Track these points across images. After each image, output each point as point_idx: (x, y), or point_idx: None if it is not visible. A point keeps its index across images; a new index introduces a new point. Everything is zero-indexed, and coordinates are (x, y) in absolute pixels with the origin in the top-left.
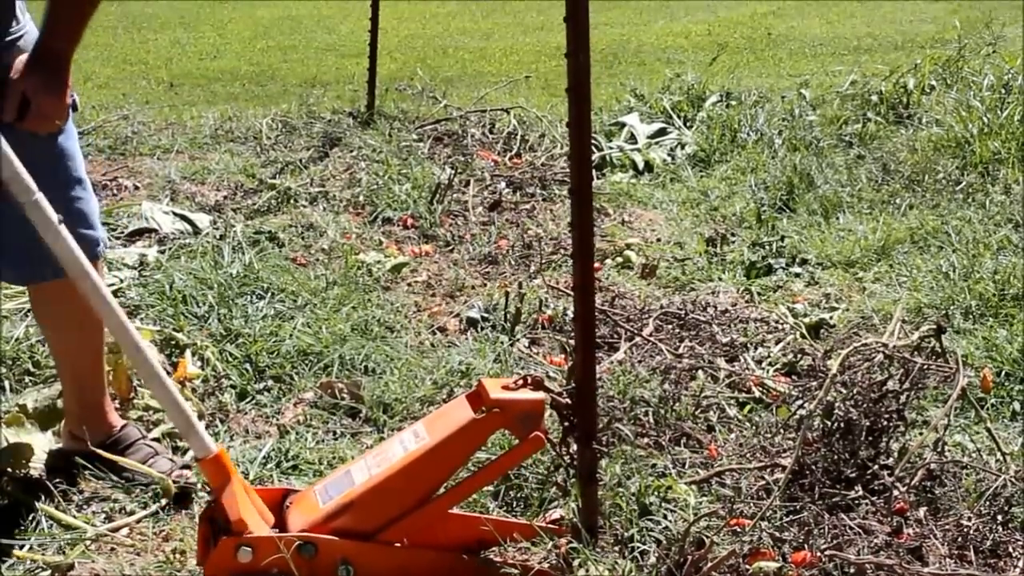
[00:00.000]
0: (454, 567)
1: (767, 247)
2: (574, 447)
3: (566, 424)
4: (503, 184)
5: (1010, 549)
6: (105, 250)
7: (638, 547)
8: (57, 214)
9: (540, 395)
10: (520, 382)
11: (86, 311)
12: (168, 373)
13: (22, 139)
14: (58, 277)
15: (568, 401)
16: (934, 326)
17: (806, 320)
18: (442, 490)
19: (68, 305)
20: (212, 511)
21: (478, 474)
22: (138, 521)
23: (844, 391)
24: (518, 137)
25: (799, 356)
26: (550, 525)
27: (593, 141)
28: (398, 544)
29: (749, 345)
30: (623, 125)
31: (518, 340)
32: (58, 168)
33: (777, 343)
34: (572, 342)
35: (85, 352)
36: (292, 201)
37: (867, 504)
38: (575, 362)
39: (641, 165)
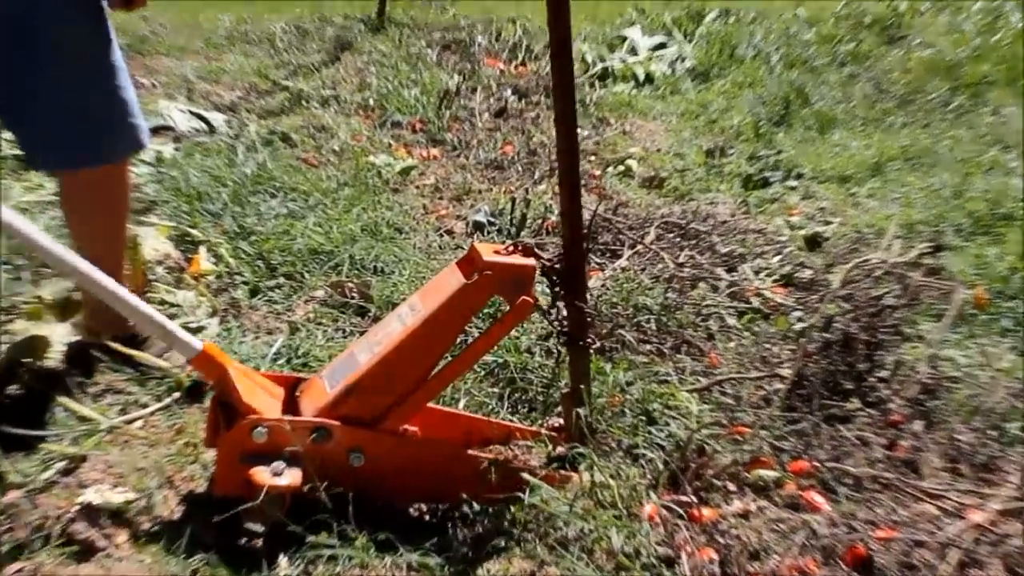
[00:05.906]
0: (460, 461)
1: (764, 160)
2: (564, 312)
3: (556, 290)
4: (509, 92)
5: (1001, 464)
6: (148, 143)
7: (642, 453)
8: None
9: (531, 261)
10: (511, 248)
11: (115, 200)
12: (182, 270)
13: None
14: (110, 161)
15: (558, 266)
16: (932, 243)
17: (802, 232)
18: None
19: (100, 192)
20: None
21: (474, 343)
22: (152, 414)
23: (844, 305)
24: (523, 46)
25: (796, 268)
26: (551, 432)
27: (596, 52)
28: (407, 436)
29: (747, 256)
30: (625, 38)
31: None
32: (110, 54)
33: (776, 255)
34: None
35: (109, 240)
36: (304, 103)
37: (864, 416)
38: (562, 229)
39: (642, 77)
